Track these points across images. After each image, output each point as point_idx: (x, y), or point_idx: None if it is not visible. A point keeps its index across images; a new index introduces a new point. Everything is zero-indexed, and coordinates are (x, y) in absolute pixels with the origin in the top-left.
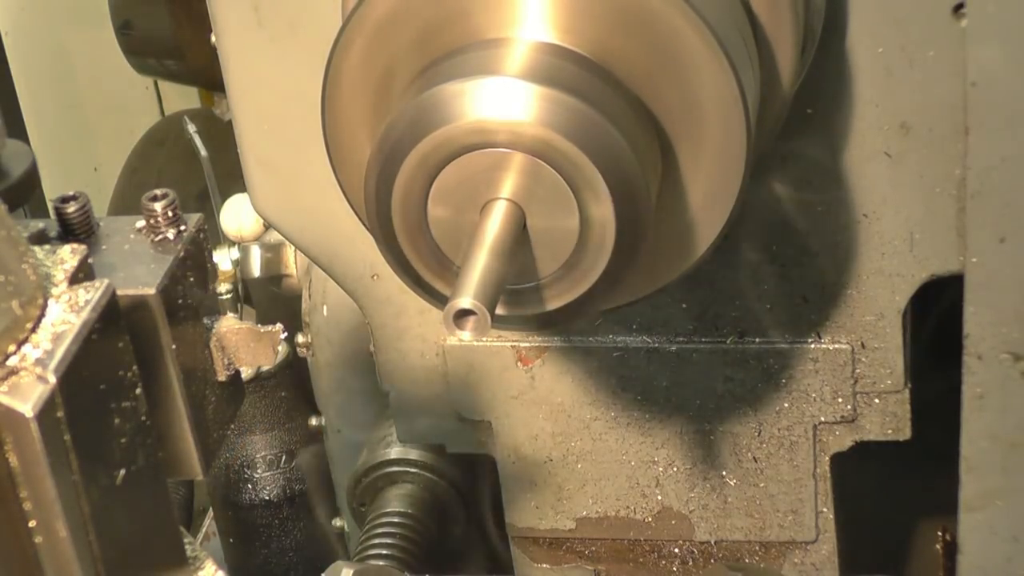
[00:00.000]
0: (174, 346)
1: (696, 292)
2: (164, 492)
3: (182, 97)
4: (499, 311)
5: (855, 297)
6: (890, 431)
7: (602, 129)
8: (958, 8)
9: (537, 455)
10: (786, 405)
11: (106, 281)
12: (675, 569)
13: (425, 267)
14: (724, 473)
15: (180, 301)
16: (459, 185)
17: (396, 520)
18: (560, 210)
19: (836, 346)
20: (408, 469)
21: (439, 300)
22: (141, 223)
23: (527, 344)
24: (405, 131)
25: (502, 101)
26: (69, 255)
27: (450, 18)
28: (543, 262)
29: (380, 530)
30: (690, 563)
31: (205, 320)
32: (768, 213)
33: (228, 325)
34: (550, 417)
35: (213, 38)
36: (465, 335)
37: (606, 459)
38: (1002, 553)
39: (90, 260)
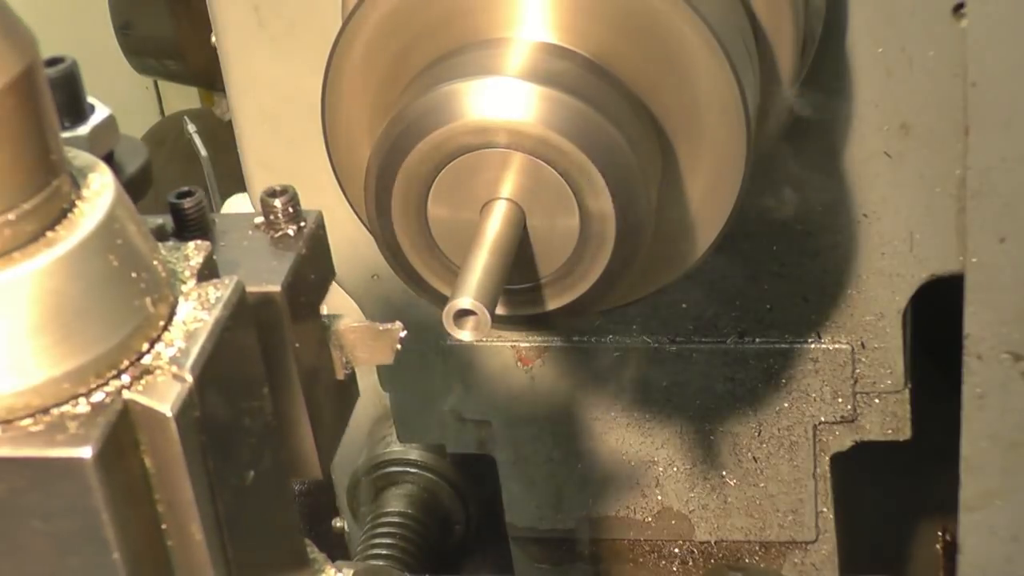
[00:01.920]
0: (296, 344)
1: (696, 292)
2: (288, 493)
3: (182, 97)
4: (499, 311)
5: (855, 297)
6: (890, 431)
7: (602, 129)
8: (958, 8)
9: (537, 455)
10: (786, 405)
11: (235, 278)
12: (675, 569)
13: (425, 267)
14: (724, 473)
15: (302, 299)
16: (459, 185)
17: (396, 520)
18: (560, 210)
19: (836, 346)
20: (408, 469)
21: (439, 300)
22: (259, 219)
23: (527, 344)
24: (405, 131)
25: (502, 101)
26: (194, 251)
27: (450, 18)
28: (543, 262)
29: (380, 530)
30: (690, 563)
31: (323, 318)
32: (768, 213)
33: (346, 323)
34: (550, 417)
35: (213, 38)
36: (465, 335)
37: (606, 459)
38: (1002, 553)
39: (214, 257)
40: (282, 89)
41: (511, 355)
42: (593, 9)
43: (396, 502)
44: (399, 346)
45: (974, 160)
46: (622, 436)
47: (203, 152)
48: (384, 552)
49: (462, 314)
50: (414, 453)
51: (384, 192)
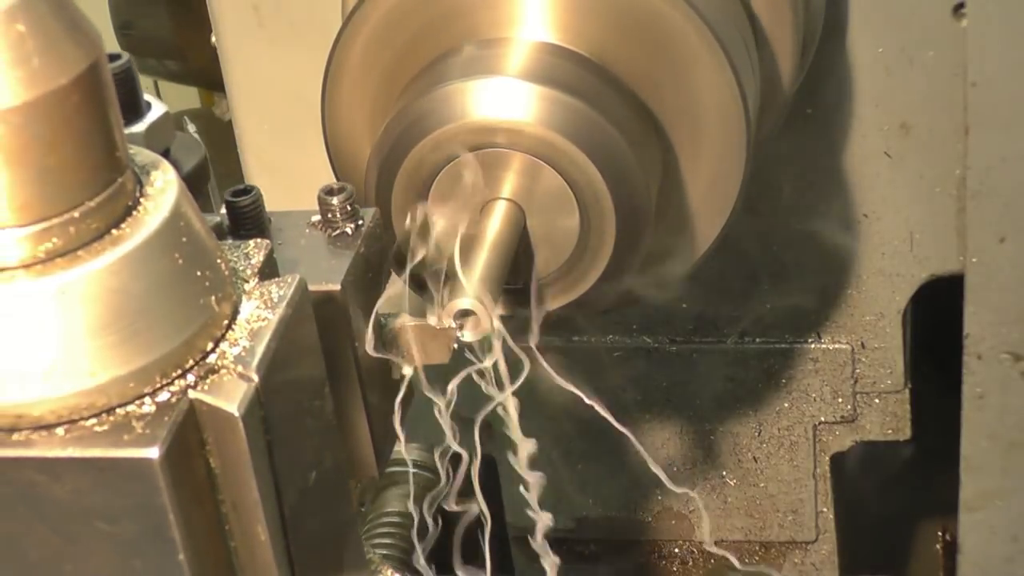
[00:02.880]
0: (356, 343)
1: (696, 292)
2: (347, 494)
3: (182, 97)
4: (499, 311)
5: (855, 297)
6: (890, 431)
7: (602, 129)
8: (958, 8)
9: (537, 455)
10: (786, 405)
11: (298, 276)
12: (675, 569)
13: (425, 267)
14: (724, 473)
15: (361, 297)
16: (459, 185)
17: (396, 520)
18: (560, 210)
19: (836, 346)
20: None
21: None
22: (316, 217)
23: (527, 344)
24: (405, 131)
25: (502, 101)
26: (254, 250)
27: (450, 18)
28: (543, 262)
29: (380, 530)
30: (690, 563)
31: (380, 316)
32: (768, 213)
33: (403, 322)
34: (550, 417)
35: (213, 38)
36: (465, 335)
37: (606, 459)
38: (1002, 553)
39: (274, 255)
40: (282, 89)
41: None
42: (593, 9)
43: (396, 502)
44: (455, 345)
45: (974, 160)
46: (622, 436)
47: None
48: (384, 552)
49: (462, 314)
50: (414, 453)
51: (384, 192)
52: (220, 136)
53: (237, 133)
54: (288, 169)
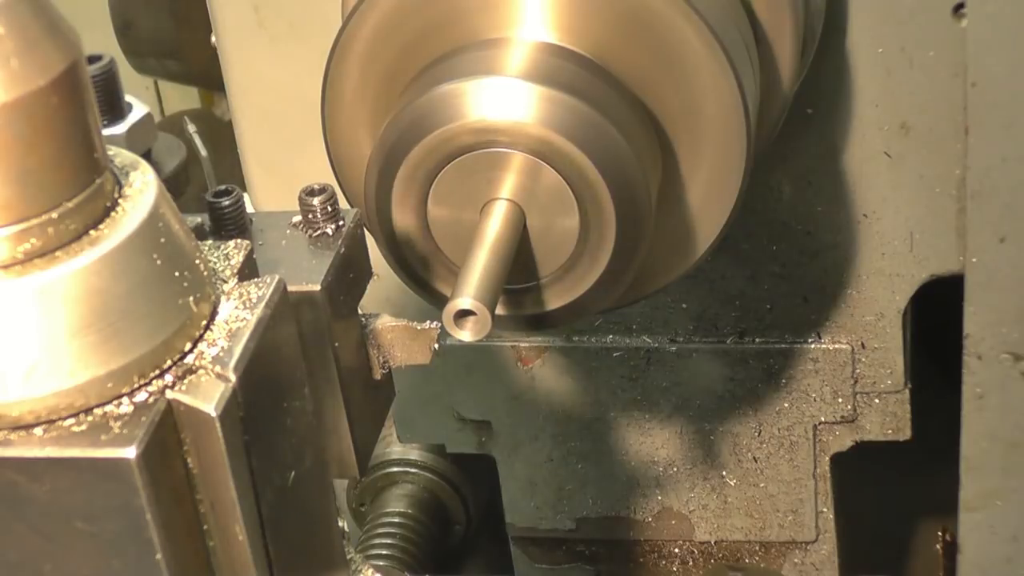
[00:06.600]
0: (336, 343)
1: (696, 292)
2: (327, 493)
3: (182, 97)
4: (499, 311)
5: (855, 297)
6: (890, 431)
7: (602, 129)
8: (958, 8)
9: (537, 455)
10: (786, 405)
11: (277, 277)
12: (675, 569)
13: (425, 267)
14: (724, 473)
15: (342, 298)
16: (459, 185)
17: (396, 520)
18: (560, 210)
19: (836, 346)
20: (408, 469)
21: (439, 300)
22: (297, 218)
23: (527, 344)
24: (405, 131)
25: (503, 101)
26: (234, 250)
27: (450, 18)
28: (543, 262)
29: (380, 530)
30: (690, 563)
31: (360, 317)
32: (768, 213)
33: (384, 322)
34: (550, 417)
35: (213, 38)
36: (465, 335)
37: (606, 459)
38: (1002, 553)
39: (254, 256)
40: (282, 89)
41: (511, 355)
42: (593, 9)
43: (396, 502)
44: (436, 346)
45: (974, 160)
46: (622, 436)
47: (203, 152)
48: (384, 552)
49: (462, 314)
50: (414, 453)
51: (384, 192)
52: (220, 136)
53: (237, 133)
54: (288, 169)
